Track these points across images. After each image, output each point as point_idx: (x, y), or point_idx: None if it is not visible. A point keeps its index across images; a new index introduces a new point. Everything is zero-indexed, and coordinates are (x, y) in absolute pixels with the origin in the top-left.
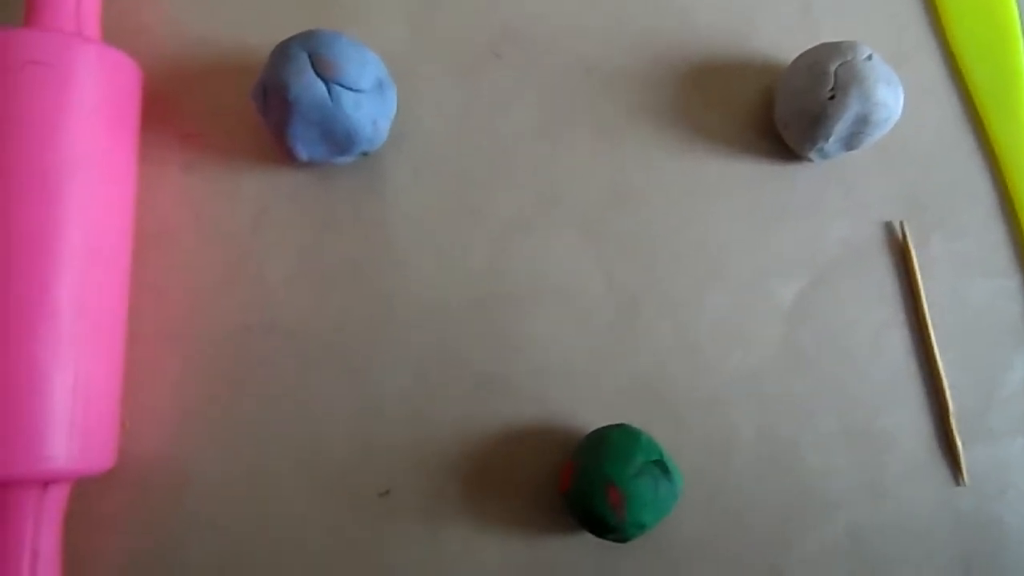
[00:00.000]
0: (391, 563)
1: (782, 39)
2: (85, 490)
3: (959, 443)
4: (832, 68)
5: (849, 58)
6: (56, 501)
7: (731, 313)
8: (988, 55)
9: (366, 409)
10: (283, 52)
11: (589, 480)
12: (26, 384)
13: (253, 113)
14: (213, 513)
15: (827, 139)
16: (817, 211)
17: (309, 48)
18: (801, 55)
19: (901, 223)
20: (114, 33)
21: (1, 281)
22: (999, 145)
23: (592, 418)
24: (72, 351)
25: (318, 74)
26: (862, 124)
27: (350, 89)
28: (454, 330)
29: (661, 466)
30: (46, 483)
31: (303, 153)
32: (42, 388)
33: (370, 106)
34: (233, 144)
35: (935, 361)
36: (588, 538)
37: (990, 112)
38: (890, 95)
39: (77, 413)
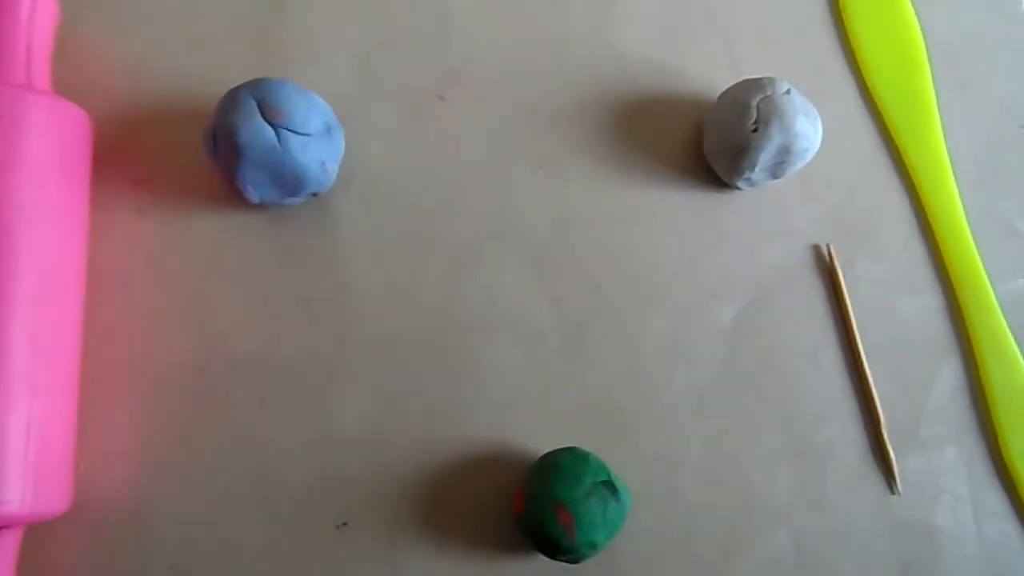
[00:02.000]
0: None
1: (709, 76)
2: (39, 534)
3: (892, 454)
4: (754, 103)
5: (769, 93)
6: (8, 547)
7: (674, 335)
8: (900, 87)
9: (322, 442)
10: (232, 99)
11: (540, 503)
12: None
13: (203, 157)
14: (172, 553)
15: (753, 169)
16: (749, 237)
17: (257, 95)
18: (725, 91)
19: (828, 246)
20: (64, 83)
21: None
22: (914, 170)
23: (543, 442)
24: (25, 394)
25: (266, 120)
26: (784, 154)
27: (298, 133)
28: (407, 362)
29: (609, 486)
30: None
31: (254, 195)
32: None
33: (318, 149)
34: (185, 188)
35: (866, 376)
36: (542, 560)
37: (905, 140)
38: (809, 126)
39: (30, 456)
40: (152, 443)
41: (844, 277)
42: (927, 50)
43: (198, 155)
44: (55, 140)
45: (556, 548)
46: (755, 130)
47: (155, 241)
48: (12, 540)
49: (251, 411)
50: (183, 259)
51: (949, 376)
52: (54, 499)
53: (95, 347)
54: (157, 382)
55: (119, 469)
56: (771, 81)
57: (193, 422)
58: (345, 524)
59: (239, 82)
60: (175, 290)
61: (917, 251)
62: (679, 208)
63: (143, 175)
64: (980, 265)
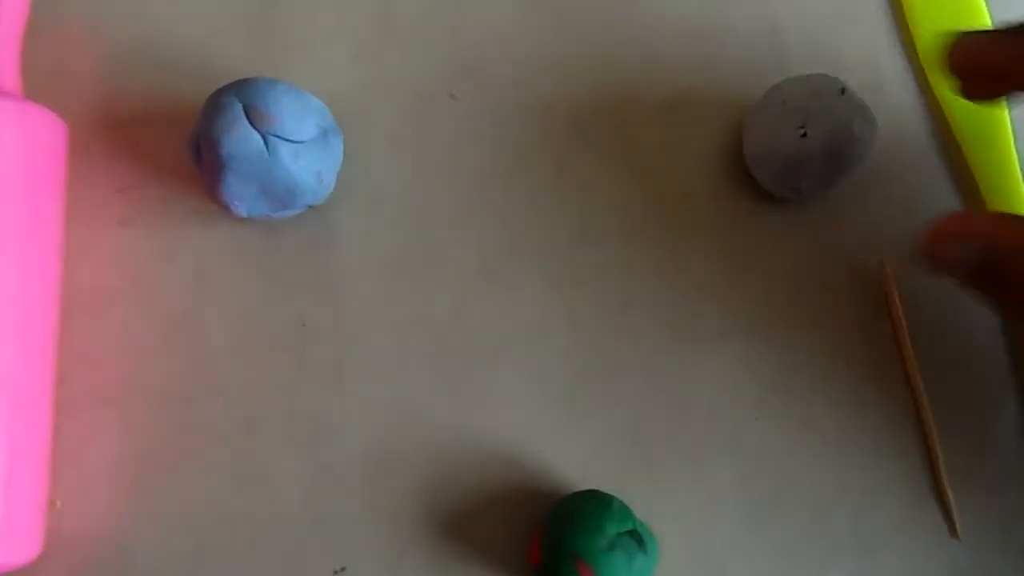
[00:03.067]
0: None
1: (750, 72)
2: None
3: (950, 493)
4: (802, 103)
5: (820, 92)
6: None
7: (708, 362)
8: None
9: (319, 478)
10: (216, 103)
11: (558, 554)
12: None
13: (188, 167)
14: None
15: (800, 179)
16: (797, 253)
17: (243, 99)
18: (769, 90)
19: (882, 261)
20: (36, 83)
21: None
22: (982, 178)
23: (563, 481)
24: None
25: (254, 126)
26: (837, 162)
27: (289, 141)
28: (414, 388)
29: (635, 536)
30: None
31: (242, 209)
32: None
33: (312, 158)
34: (172, 196)
35: (923, 405)
36: None
37: (971, 144)
38: (865, 130)
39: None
40: (133, 477)
41: (898, 295)
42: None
43: (184, 161)
44: (26, 147)
45: None
46: (803, 135)
47: (139, 255)
48: None
49: (241, 442)
50: (169, 275)
51: (1015, 406)
52: (25, 545)
53: (71, 373)
54: (139, 410)
55: (98, 505)
56: (823, 78)
57: (178, 454)
58: (343, 569)
59: (229, 79)
60: (159, 309)
61: None
62: (716, 222)
63: (126, 183)
64: None
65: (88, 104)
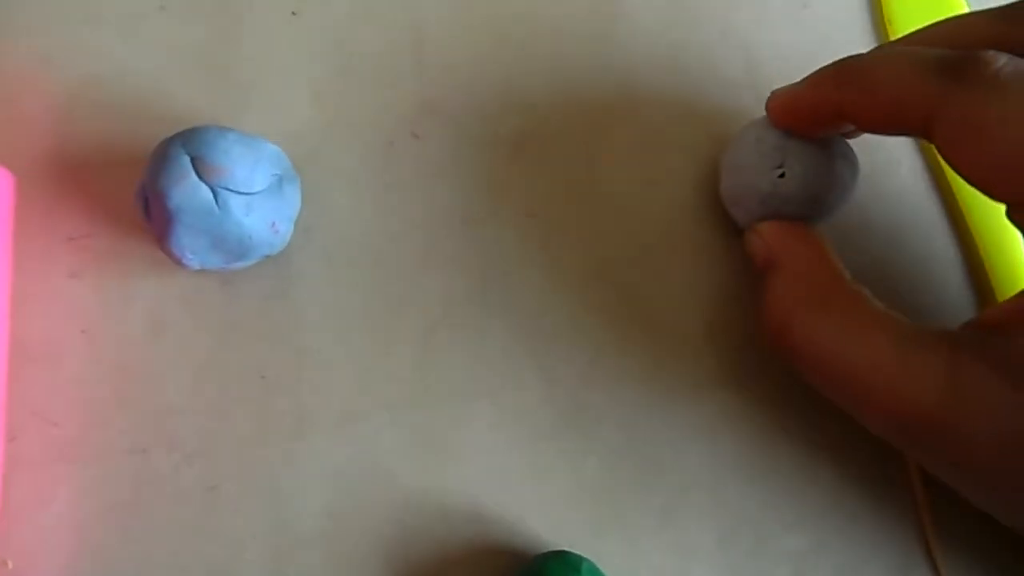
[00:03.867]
0: None
1: (727, 106)
2: None
3: (939, 557)
4: (781, 143)
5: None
6: None
7: (685, 409)
8: None
9: (279, 537)
10: (163, 155)
11: None
12: None
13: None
14: None
15: (777, 219)
16: None
17: (191, 150)
18: (747, 126)
19: None
20: None
21: None
22: (968, 210)
23: (531, 537)
24: None
25: (202, 179)
26: (816, 204)
27: (240, 193)
28: (376, 441)
29: None
30: None
31: (194, 263)
32: None
33: (266, 208)
34: (125, 246)
35: (912, 463)
36: None
37: (957, 179)
38: (847, 171)
39: None
40: (88, 536)
41: None
42: None
43: (133, 213)
44: None
45: None
46: (781, 175)
47: (90, 307)
48: None
49: (199, 500)
50: (121, 327)
51: None
52: None
53: (21, 428)
54: (93, 468)
55: (51, 566)
56: None
57: (134, 512)
58: None
59: (184, 123)
60: (112, 362)
61: (968, 303)
62: (692, 262)
63: (76, 232)
64: None
65: (35, 151)
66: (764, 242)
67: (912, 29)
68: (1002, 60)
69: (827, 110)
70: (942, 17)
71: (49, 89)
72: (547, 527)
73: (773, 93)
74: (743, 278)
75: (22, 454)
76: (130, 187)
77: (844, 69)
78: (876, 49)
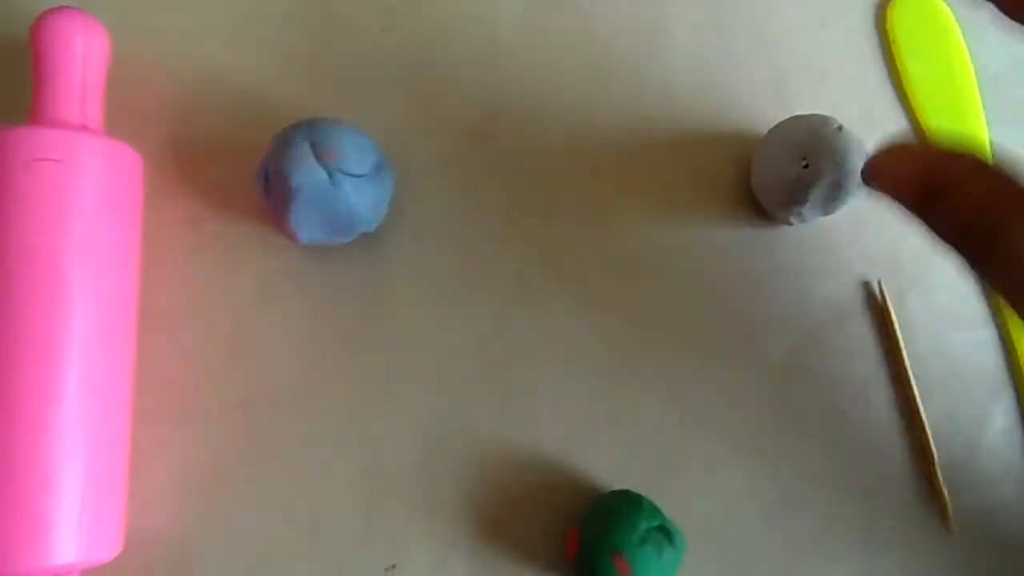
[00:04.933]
0: None
1: (757, 111)
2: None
3: (946, 493)
4: (804, 139)
5: (820, 129)
6: None
7: (723, 374)
8: (951, 121)
9: (371, 482)
10: (285, 140)
11: (595, 549)
12: (36, 479)
13: (253, 195)
14: None
15: (803, 204)
16: (799, 273)
17: (311, 136)
18: (774, 128)
19: (879, 282)
20: (113, 120)
21: (9, 373)
22: None
23: (595, 483)
24: (81, 441)
25: (320, 161)
26: (836, 191)
27: (351, 175)
28: (457, 399)
29: (664, 531)
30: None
31: (304, 236)
32: (52, 482)
33: (369, 190)
34: (234, 226)
35: (918, 412)
36: None
37: None
38: (861, 163)
39: (87, 504)
40: (201, 483)
41: (895, 313)
42: (978, 83)
43: (247, 192)
44: (110, 182)
45: None
46: (806, 167)
47: (204, 280)
48: None
49: (300, 450)
50: (231, 299)
51: (1003, 413)
52: (108, 544)
53: (143, 387)
54: (205, 421)
55: (168, 509)
56: (822, 118)
57: (241, 461)
58: (394, 567)
59: (288, 119)
60: (223, 330)
61: (969, 286)
62: (728, 245)
63: (192, 214)
64: None
65: (158, 140)
66: (918, 164)
67: (913, 50)
68: None
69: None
70: (940, 38)
71: (171, 88)
72: (606, 473)
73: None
74: (771, 261)
75: (145, 410)
76: (239, 175)
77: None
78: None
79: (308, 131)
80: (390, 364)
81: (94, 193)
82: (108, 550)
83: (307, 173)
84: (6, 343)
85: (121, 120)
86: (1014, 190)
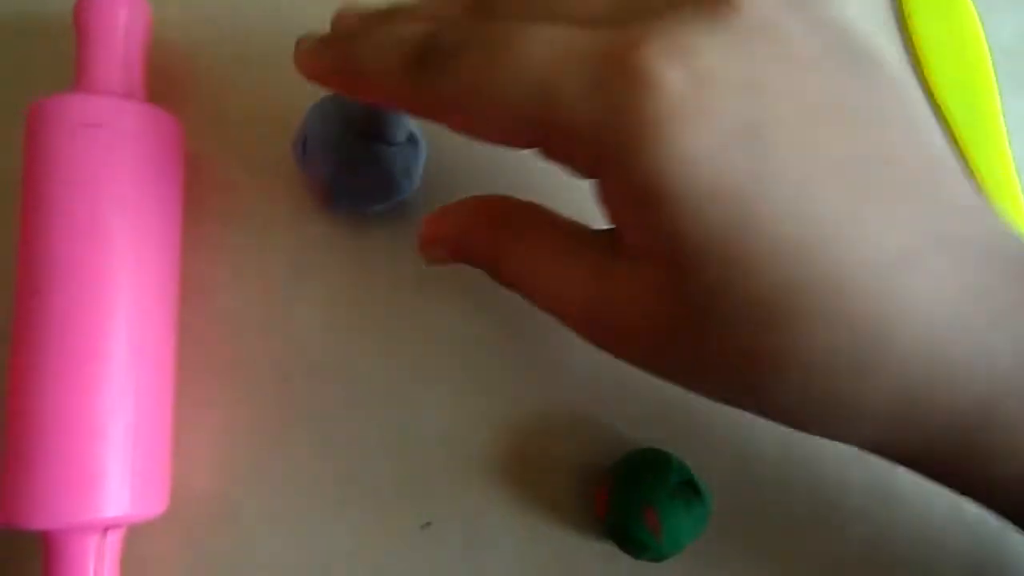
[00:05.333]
0: None
1: None
2: (136, 533)
3: None
4: None
5: None
6: (114, 546)
7: None
8: (964, 93)
9: (406, 444)
10: (322, 108)
11: (626, 504)
12: (87, 432)
13: (288, 166)
14: (260, 553)
15: None
16: None
17: (347, 105)
18: None
19: None
20: (152, 88)
21: (60, 329)
22: (980, 177)
23: (621, 442)
24: (130, 395)
25: (356, 129)
26: None
27: (386, 143)
28: (489, 362)
29: (692, 487)
30: (106, 529)
31: (340, 204)
32: (102, 435)
33: (404, 158)
34: (269, 196)
35: None
36: (625, 559)
37: (969, 146)
38: None
39: (136, 458)
40: (240, 446)
41: None
42: (991, 54)
43: (282, 163)
44: (152, 148)
45: (642, 549)
46: None
47: (240, 249)
48: (117, 539)
49: (335, 415)
50: (267, 267)
51: None
52: (155, 500)
53: (184, 353)
54: (244, 387)
55: (209, 472)
56: None
57: (279, 426)
58: (429, 524)
59: (321, 93)
60: (260, 297)
61: None
62: None
63: (228, 183)
64: None
65: (196, 109)
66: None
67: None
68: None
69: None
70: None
71: (210, 56)
72: (633, 434)
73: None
74: None
75: (184, 376)
76: (276, 144)
77: (341, 51)
78: (373, 30)
79: (345, 100)
80: (423, 328)
81: (136, 160)
82: (155, 506)
83: (344, 141)
84: (56, 300)
85: (160, 88)
86: (518, 216)
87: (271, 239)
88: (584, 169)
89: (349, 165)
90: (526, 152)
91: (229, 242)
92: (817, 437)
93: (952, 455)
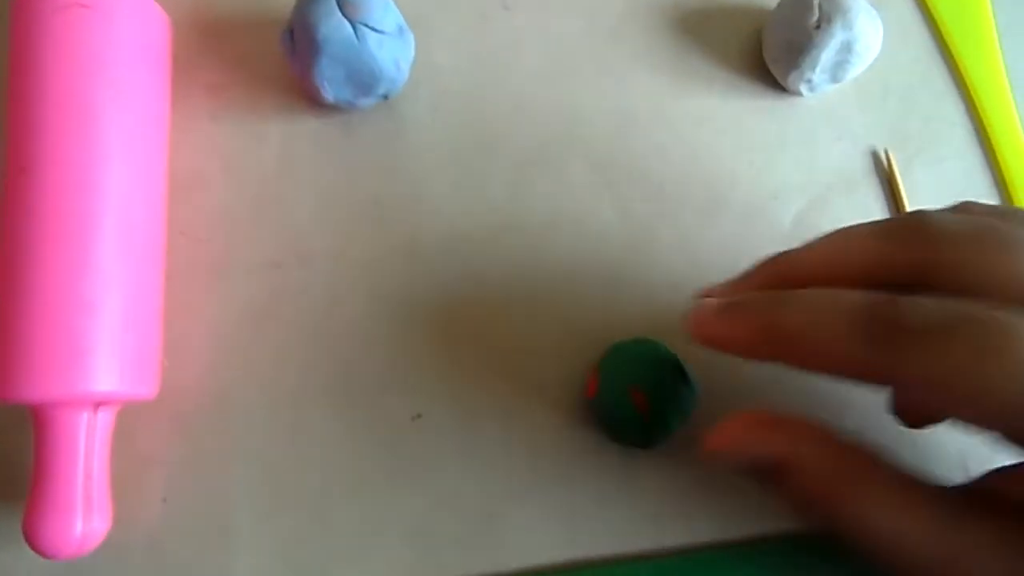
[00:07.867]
0: (426, 482)
1: None
2: (126, 423)
3: None
4: (817, 2)
5: None
6: (106, 425)
7: (734, 236)
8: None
9: (395, 335)
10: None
11: (614, 385)
12: (76, 307)
13: (277, 63)
14: (251, 442)
15: (814, 68)
16: (809, 142)
17: None
18: (782, 1)
19: (886, 151)
20: None
21: (52, 213)
22: (970, 77)
23: (611, 336)
24: (120, 273)
25: (345, 15)
26: (846, 53)
27: (375, 30)
28: (477, 258)
29: (680, 371)
30: (97, 405)
31: (329, 94)
32: (91, 310)
33: (393, 48)
34: (258, 93)
35: None
36: (613, 446)
37: (960, 46)
38: (870, 25)
39: (127, 340)
40: (231, 338)
41: (902, 182)
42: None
43: (272, 61)
44: (140, 36)
45: (630, 429)
46: (817, 27)
47: (229, 146)
48: (108, 419)
49: (325, 305)
50: (257, 163)
51: None
52: (145, 382)
53: (173, 246)
54: (234, 280)
55: (199, 362)
56: None
57: (269, 317)
58: (420, 416)
59: None
60: (249, 192)
61: (974, 157)
62: (740, 114)
63: (217, 81)
64: None
65: (185, 7)
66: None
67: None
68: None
69: (746, 350)
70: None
71: None
72: (623, 328)
73: (694, 310)
74: (782, 129)
75: (175, 268)
76: (264, 44)
77: (767, 319)
78: (793, 295)
79: None
80: (410, 224)
81: (124, 44)
82: (146, 388)
83: (332, 27)
84: (43, 177)
85: None
86: (854, 462)
87: (260, 136)
88: None
89: (336, 52)
90: (517, 56)
91: (218, 137)
92: None
93: None
